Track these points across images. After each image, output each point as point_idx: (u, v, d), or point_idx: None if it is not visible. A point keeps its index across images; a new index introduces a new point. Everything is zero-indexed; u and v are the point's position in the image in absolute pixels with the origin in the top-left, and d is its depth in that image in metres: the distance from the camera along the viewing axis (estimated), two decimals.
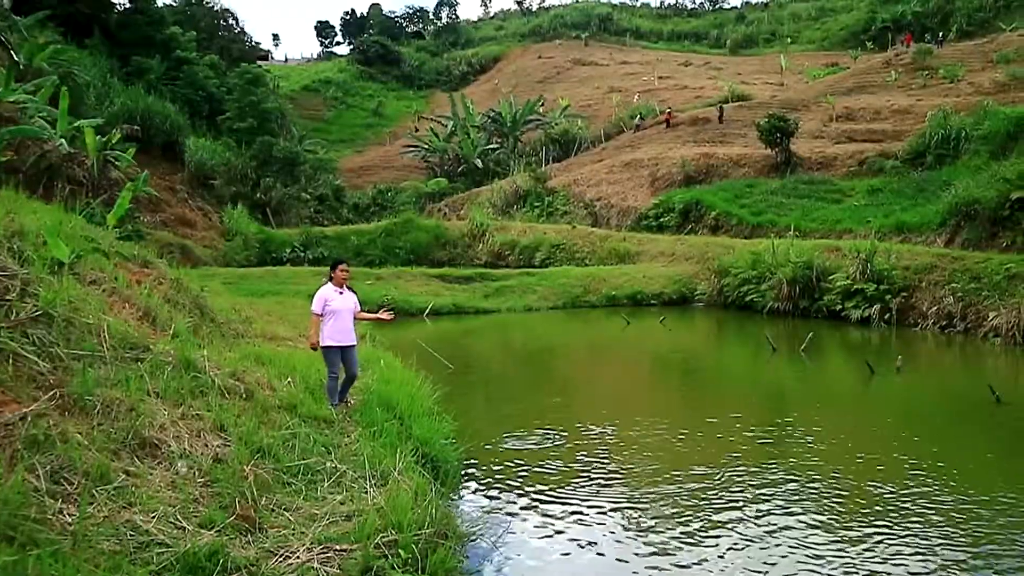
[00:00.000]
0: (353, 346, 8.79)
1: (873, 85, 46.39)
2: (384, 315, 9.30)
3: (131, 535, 4.84)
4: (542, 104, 62.91)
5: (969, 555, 6.41)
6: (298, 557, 5.16)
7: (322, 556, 5.23)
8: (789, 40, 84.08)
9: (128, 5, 43.88)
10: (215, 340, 9.69)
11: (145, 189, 23.60)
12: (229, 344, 10.07)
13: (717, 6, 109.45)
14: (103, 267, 8.63)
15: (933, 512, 7.34)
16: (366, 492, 6.32)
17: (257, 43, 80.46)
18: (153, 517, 5.09)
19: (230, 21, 66.77)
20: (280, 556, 5.16)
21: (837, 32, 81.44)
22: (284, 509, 5.88)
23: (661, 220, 36.08)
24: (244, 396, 7.53)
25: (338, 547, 5.36)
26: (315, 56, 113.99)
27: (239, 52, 60.20)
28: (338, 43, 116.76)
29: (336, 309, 8.61)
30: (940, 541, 6.69)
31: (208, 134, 40.53)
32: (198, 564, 4.75)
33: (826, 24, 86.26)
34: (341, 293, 8.73)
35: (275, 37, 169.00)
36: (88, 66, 33.39)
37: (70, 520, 4.68)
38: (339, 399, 8.66)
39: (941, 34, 58.88)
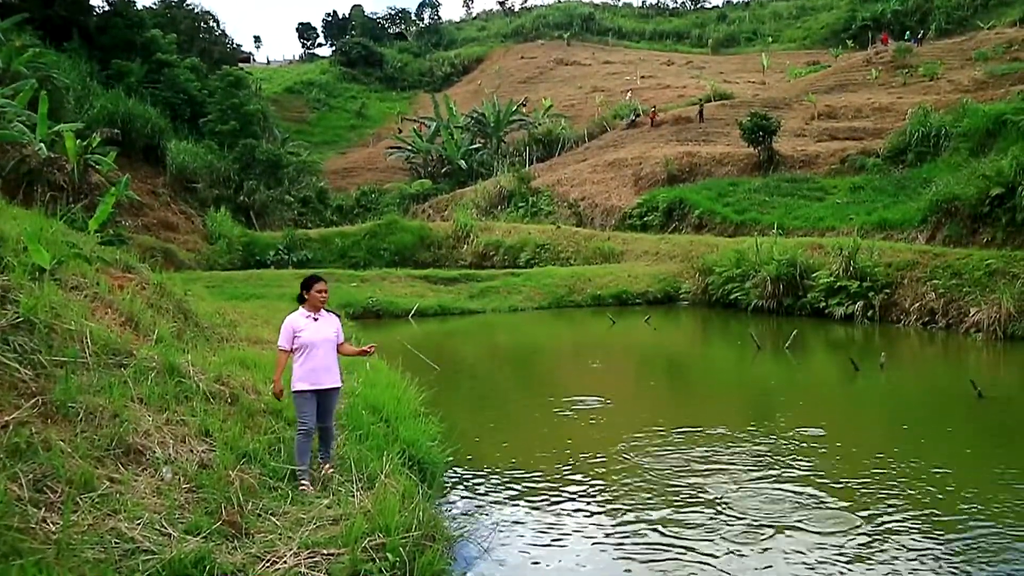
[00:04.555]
0: (335, 390, 6.99)
1: (854, 83, 46.74)
2: (368, 348, 7.57)
3: (116, 543, 4.81)
4: (525, 104, 62.98)
5: (953, 550, 6.45)
6: (285, 562, 5.14)
7: (309, 561, 5.21)
8: (770, 39, 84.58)
9: (107, 8, 43.58)
10: (199, 344, 9.63)
11: (127, 193, 23.45)
12: (213, 348, 10.02)
13: (699, 5, 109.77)
14: (85, 273, 8.55)
15: (917, 505, 7.39)
16: (353, 496, 6.30)
17: (238, 45, 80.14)
18: (138, 524, 5.06)
19: (211, 23, 66.42)
20: (267, 561, 5.13)
21: (818, 31, 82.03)
22: (270, 514, 5.85)
23: (645, 219, 36.16)
24: (229, 400, 7.49)
25: (325, 551, 5.34)
26: (297, 58, 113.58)
27: (220, 54, 59.97)
28: (320, 45, 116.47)
29: (310, 341, 6.78)
30: (924, 534, 6.74)
31: (190, 137, 40.31)
32: (184, 571, 4.73)
33: (807, 23, 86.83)
34: (316, 319, 6.89)
35: (256, 39, 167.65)
36: (67, 70, 33.12)
37: (54, 529, 4.64)
38: (314, 463, 6.88)
39: (921, 32, 59.37)
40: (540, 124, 57.34)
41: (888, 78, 45.84)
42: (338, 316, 7.31)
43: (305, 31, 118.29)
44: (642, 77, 69.77)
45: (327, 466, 6.93)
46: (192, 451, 6.34)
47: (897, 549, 6.48)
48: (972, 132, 28.40)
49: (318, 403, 6.80)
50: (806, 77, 54.66)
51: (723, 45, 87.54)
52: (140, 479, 5.70)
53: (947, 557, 6.31)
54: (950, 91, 39.19)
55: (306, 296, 6.96)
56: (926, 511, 7.29)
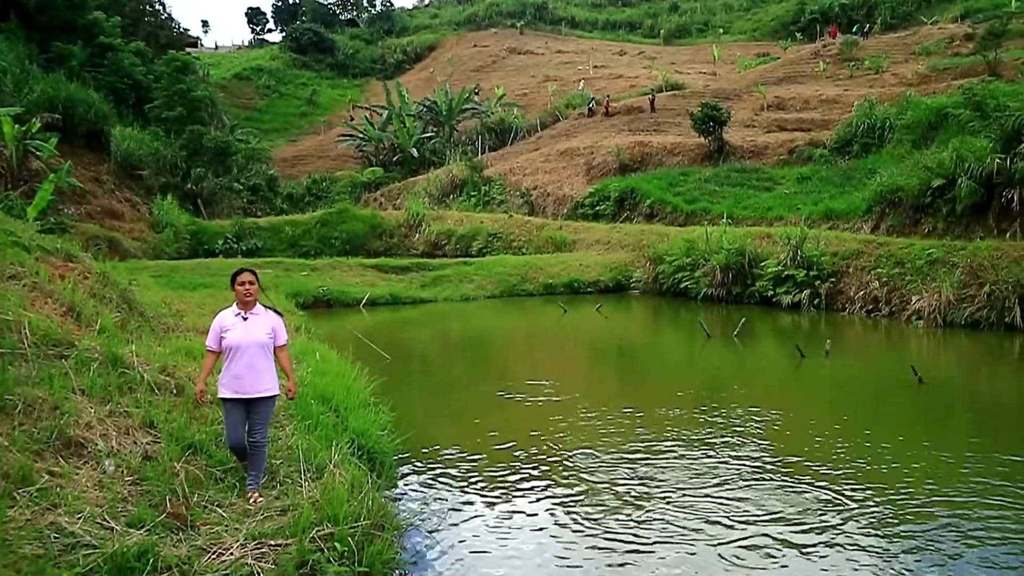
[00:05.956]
0: (264, 399, 6.15)
1: (802, 75, 47.43)
2: (291, 393, 6.67)
3: (56, 537, 4.71)
4: (478, 93, 62.73)
5: (895, 530, 6.64)
6: (231, 554, 5.09)
7: (256, 552, 5.17)
8: (721, 30, 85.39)
9: None
10: (144, 335, 9.45)
11: (68, 180, 22.90)
12: (159, 339, 9.84)
13: None
14: (23, 261, 8.34)
15: (860, 480, 7.58)
16: (301, 486, 6.26)
17: (186, 29, 78.28)
18: (79, 518, 4.96)
19: (157, 6, 64.74)
20: (213, 553, 5.08)
21: (768, 23, 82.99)
22: (217, 505, 5.79)
23: (597, 208, 36.39)
24: (174, 392, 7.37)
25: (272, 542, 5.30)
26: (246, 43, 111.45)
27: (167, 39, 58.51)
28: (270, 30, 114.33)
29: (235, 343, 6.06)
30: (863, 514, 6.91)
31: (135, 123, 39.30)
32: (127, 564, 4.65)
33: (757, 15, 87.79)
34: (245, 318, 6.18)
35: (204, 24, 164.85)
36: (4, 52, 32.12)
37: None
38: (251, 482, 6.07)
39: (867, 26, 60.52)
40: (493, 113, 57.20)
41: (835, 70, 46.62)
42: (280, 314, 6.49)
43: (254, 16, 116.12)
44: (595, 67, 69.98)
45: (254, 495, 6.00)
46: (136, 443, 6.22)
47: (840, 524, 6.64)
48: (915, 124, 29.02)
49: (246, 413, 6.14)
50: (756, 68, 55.29)
51: (675, 36, 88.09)
52: (81, 472, 5.59)
53: (888, 525, 6.49)
54: (894, 84, 39.97)
55: (233, 292, 6.27)
56: (869, 484, 7.51)
